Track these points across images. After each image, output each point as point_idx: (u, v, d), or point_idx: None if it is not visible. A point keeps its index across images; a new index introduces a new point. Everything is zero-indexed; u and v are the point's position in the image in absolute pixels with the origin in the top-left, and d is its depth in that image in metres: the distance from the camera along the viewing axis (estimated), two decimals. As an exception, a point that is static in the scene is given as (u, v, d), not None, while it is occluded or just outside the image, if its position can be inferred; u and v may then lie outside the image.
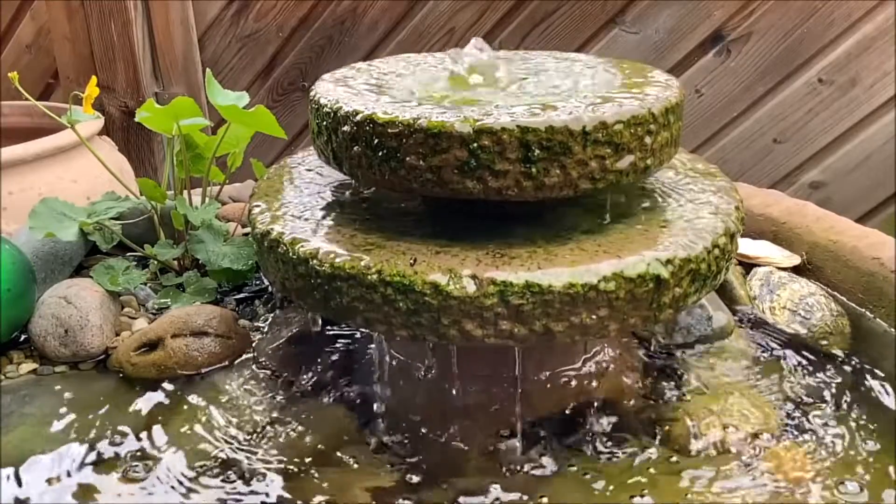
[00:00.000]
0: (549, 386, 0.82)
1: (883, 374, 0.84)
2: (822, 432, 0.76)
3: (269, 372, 0.86)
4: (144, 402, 0.81)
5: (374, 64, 0.90)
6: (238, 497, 0.69)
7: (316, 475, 0.72)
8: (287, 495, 0.69)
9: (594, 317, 0.67)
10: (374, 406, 0.80)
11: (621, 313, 0.68)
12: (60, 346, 0.86)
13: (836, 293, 0.98)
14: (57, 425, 0.78)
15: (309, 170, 0.92)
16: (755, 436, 0.75)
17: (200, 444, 0.75)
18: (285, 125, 1.32)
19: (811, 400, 0.80)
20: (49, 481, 0.71)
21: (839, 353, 0.88)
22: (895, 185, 1.86)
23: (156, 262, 1.01)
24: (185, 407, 0.80)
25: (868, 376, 0.84)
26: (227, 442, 0.76)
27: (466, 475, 0.71)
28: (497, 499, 0.69)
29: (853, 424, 0.77)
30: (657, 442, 0.75)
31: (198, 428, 0.78)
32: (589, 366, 0.84)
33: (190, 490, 0.70)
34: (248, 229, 0.98)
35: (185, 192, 1.01)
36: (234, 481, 0.71)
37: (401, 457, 0.74)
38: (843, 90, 1.81)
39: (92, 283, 0.92)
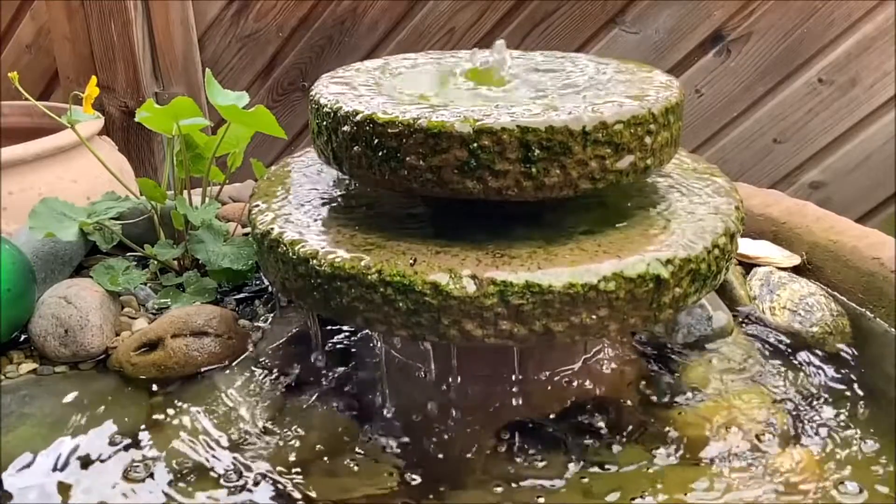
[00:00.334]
0: (549, 386, 0.82)
1: (883, 374, 0.84)
2: (822, 432, 0.76)
3: (269, 372, 0.86)
4: (144, 403, 0.81)
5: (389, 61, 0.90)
6: (238, 497, 0.69)
7: (316, 476, 0.72)
8: (287, 496, 0.69)
9: (594, 317, 0.68)
10: (375, 406, 0.80)
11: (621, 313, 0.68)
12: (60, 346, 0.86)
13: (836, 293, 0.98)
14: (57, 425, 0.78)
15: (309, 170, 0.92)
16: (755, 436, 0.75)
17: (200, 445, 0.75)
18: (285, 125, 1.32)
19: (811, 400, 0.80)
20: (49, 481, 0.71)
21: (839, 353, 0.88)
22: (895, 185, 1.86)
23: (156, 262, 1.01)
24: (185, 407, 0.80)
25: (868, 376, 0.84)
26: (227, 442, 0.76)
27: (467, 476, 0.71)
28: (497, 499, 0.69)
29: (853, 424, 0.77)
30: (657, 442, 0.75)
31: (198, 428, 0.78)
32: (589, 366, 0.84)
33: (190, 490, 0.70)
34: (248, 229, 0.98)
35: (185, 192, 1.01)
36: (234, 481, 0.71)
37: (401, 457, 0.74)
38: (843, 90, 1.81)
39: (92, 283, 0.92)
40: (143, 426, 0.78)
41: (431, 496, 0.69)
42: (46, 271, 0.97)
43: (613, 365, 0.85)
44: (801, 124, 1.86)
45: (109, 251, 1.03)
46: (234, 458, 0.74)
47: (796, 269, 1.01)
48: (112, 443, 0.76)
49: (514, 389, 0.79)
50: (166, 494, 0.69)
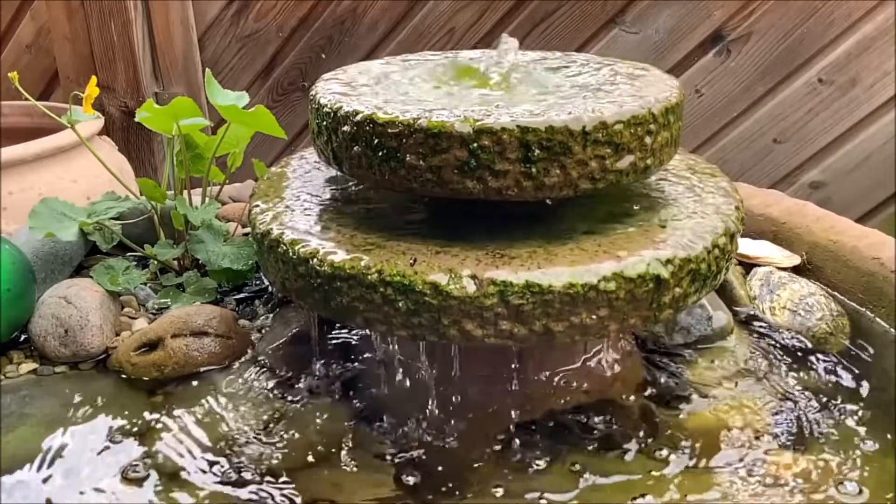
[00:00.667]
0: (549, 386, 0.82)
1: (883, 374, 0.84)
2: (822, 432, 0.76)
3: (269, 372, 0.86)
4: (144, 403, 0.81)
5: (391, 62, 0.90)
6: (237, 498, 0.69)
7: (316, 476, 0.72)
8: (287, 496, 0.69)
9: (594, 317, 0.68)
10: (374, 407, 0.80)
11: (621, 313, 0.68)
12: (60, 346, 0.86)
13: (836, 293, 0.98)
14: (56, 425, 0.78)
15: (309, 170, 0.92)
16: (754, 435, 0.75)
17: (200, 444, 0.75)
18: (285, 125, 1.32)
19: (811, 400, 0.80)
20: (49, 481, 0.71)
21: (839, 353, 0.88)
22: (895, 185, 1.86)
23: (156, 262, 1.01)
24: (185, 407, 0.80)
25: (868, 376, 0.84)
26: (227, 442, 0.76)
27: (467, 476, 0.71)
28: (497, 501, 0.69)
29: (853, 424, 0.77)
30: (657, 442, 0.75)
31: (197, 428, 0.78)
32: (589, 366, 0.84)
33: (189, 490, 0.70)
34: (248, 229, 0.98)
35: (185, 192, 1.01)
36: (234, 482, 0.71)
37: (401, 459, 0.74)
38: (843, 90, 1.81)
39: (92, 283, 0.92)
40: (142, 426, 0.78)
41: (431, 497, 0.69)
42: (46, 271, 0.97)
43: (613, 365, 0.85)
44: (801, 124, 1.86)
45: (109, 251, 1.03)
46: (234, 458, 0.74)
47: (796, 269, 1.01)
48: (111, 442, 0.76)
49: (514, 389, 0.79)
50: (165, 494, 0.69)
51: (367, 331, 0.89)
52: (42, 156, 1.38)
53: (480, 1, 1.86)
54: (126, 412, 0.80)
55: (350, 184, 0.88)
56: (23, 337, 0.90)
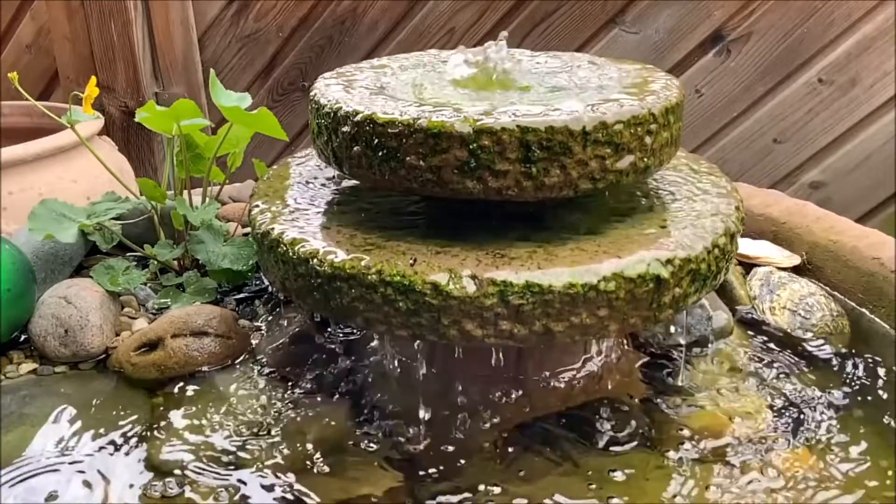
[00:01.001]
0: (549, 385, 0.82)
1: (883, 375, 0.84)
2: (822, 432, 0.76)
3: (269, 372, 0.86)
4: (144, 403, 0.81)
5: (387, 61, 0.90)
6: (237, 497, 0.69)
7: (316, 475, 0.72)
8: (287, 496, 0.69)
9: (594, 317, 0.68)
10: (375, 407, 0.80)
11: (621, 313, 0.68)
12: (60, 346, 0.86)
13: (836, 293, 0.98)
14: (57, 425, 0.78)
15: (309, 170, 0.92)
16: (754, 435, 0.75)
17: (200, 445, 0.75)
18: (285, 125, 1.32)
19: (810, 400, 0.80)
20: (48, 481, 0.71)
21: (839, 353, 0.88)
22: (895, 185, 1.86)
23: (156, 262, 1.01)
24: (185, 407, 0.80)
25: (868, 376, 0.84)
26: (227, 442, 0.76)
27: (468, 475, 0.71)
28: (497, 500, 0.69)
29: (853, 425, 0.77)
30: (657, 442, 0.75)
31: (197, 428, 0.78)
32: (589, 366, 0.84)
33: (188, 490, 0.70)
34: (248, 229, 0.98)
35: (185, 192, 1.01)
36: (234, 482, 0.71)
37: (401, 458, 0.74)
38: (843, 90, 1.81)
39: (92, 283, 0.92)
40: (142, 426, 0.78)
41: (431, 497, 0.69)
42: (46, 271, 0.97)
43: (613, 365, 0.85)
44: (801, 124, 1.86)
45: (109, 251, 1.03)
46: (234, 458, 0.74)
47: (796, 269, 1.01)
48: (111, 443, 0.76)
49: (514, 389, 0.79)
50: (165, 494, 0.69)
51: (368, 331, 0.89)
52: (42, 156, 1.38)
53: (480, 1, 1.86)
54: (126, 412, 0.80)
55: (350, 184, 0.88)
56: (23, 337, 0.90)
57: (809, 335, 0.91)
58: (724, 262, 0.75)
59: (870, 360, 0.86)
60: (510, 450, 0.74)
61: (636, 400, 0.81)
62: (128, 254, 1.04)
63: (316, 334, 0.91)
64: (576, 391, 0.81)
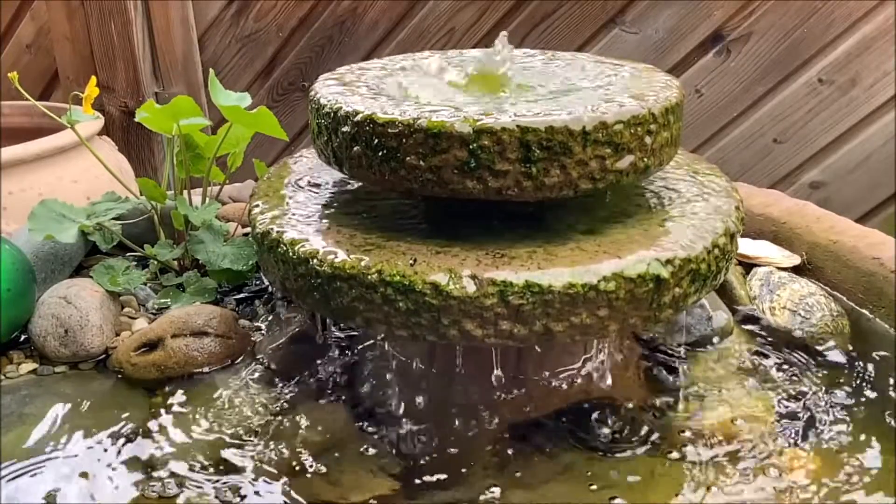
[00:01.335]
0: (549, 385, 0.82)
1: (883, 374, 0.84)
2: (822, 432, 0.76)
3: (269, 372, 0.86)
4: (144, 403, 0.81)
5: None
6: (237, 498, 0.69)
7: (316, 476, 0.72)
8: (287, 496, 0.69)
9: (594, 317, 0.67)
10: (375, 407, 0.80)
11: (621, 313, 0.68)
12: (60, 346, 0.86)
13: (836, 293, 0.98)
14: (57, 425, 0.78)
15: (309, 170, 0.92)
16: (754, 435, 0.75)
17: (200, 445, 0.75)
18: (285, 125, 1.32)
19: (811, 400, 0.80)
20: (48, 481, 0.71)
21: (839, 353, 0.88)
22: (895, 185, 1.86)
23: (156, 263, 1.01)
24: (185, 407, 0.80)
25: (868, 377, 0.84)
26: (227, 442, 0.76)
27: (468, 475, 0.71)
28: (498, 499, 0.69)
29: (853, 425, 0.77)
30: (657, 442, 0.75)
31: (197, 428, 0.78)
32: (589, 366, 0.84)
33: (189, 490, 0.70)
34: (248, 229, 0.98)
35: (185, 192, 1.01)
36: (233, 482, 0.71)
37: (400, 458, 0.74)
38: (843, 90, 1.81)
39: (92, 283, 0.92)
40: (142, 426, 0.78)
41: (430, 497, 0.69)
42: (46, 271, 0.97)
43: (613, 365, 0.85)
44: (801, 124, 1.86)
45: (109, 251, 1.03)
46: (234, 458, 0.74)
47: (796, 269, 1.01)
48: (111, 443, 0.76)
49: (514, 389, 0.79)
50: (163, 494, 0.69)
51: (367, 331, 0.89)
52: (42, 156, 1.38)
53: (480, 1, 1.86)
54: (126, 412, 0.80)
55: (350, 184, 0.88)
56: (23, 337, 0.90)
57: (809, 335, 0.91)
58: (725, 262, 0.75)
59: (870, 360, 0.86)
60: (510, 451, 0.74)
61: (635, 401, 0.81)
62: (128, 254, 1.04)
63: (316, 334, 0.91)
64: (576, 391, 0.81)
